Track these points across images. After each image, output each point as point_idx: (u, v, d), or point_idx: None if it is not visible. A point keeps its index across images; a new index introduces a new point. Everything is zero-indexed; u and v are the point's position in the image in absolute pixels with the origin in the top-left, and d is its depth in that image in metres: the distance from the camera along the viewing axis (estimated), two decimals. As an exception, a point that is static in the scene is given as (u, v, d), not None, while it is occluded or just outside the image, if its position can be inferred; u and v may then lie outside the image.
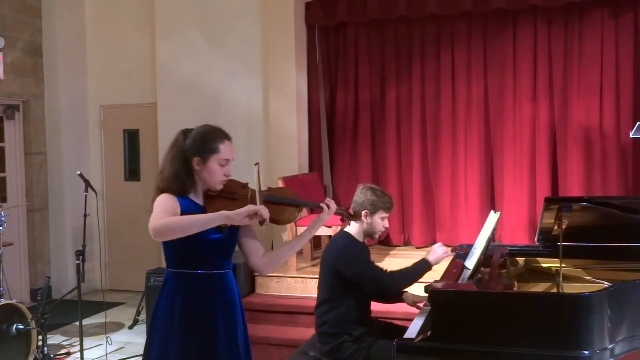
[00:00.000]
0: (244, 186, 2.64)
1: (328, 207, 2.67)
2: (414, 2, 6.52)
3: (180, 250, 2.51)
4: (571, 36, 6.30)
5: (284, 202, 2.63)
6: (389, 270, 3.75)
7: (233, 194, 2.59)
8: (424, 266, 3.55)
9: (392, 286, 3.56)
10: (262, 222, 2.48)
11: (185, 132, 2.59)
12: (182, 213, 2.46)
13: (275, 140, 6.76)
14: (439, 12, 6.51)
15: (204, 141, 2.53)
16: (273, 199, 2.61)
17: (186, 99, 7.05)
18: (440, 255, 3.55)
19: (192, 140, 2.54)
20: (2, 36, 6.67)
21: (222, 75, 6.96)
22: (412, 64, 6.81)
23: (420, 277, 3.57)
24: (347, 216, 2.93)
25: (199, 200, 2.58)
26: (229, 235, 2.58)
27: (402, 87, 6.87)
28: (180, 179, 2.51)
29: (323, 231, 5.74)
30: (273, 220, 2.59)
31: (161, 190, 2.52)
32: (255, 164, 2.67)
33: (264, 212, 2.43)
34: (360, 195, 3.60)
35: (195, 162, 2.52)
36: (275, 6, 6.75)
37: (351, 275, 3.49)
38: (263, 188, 2.62)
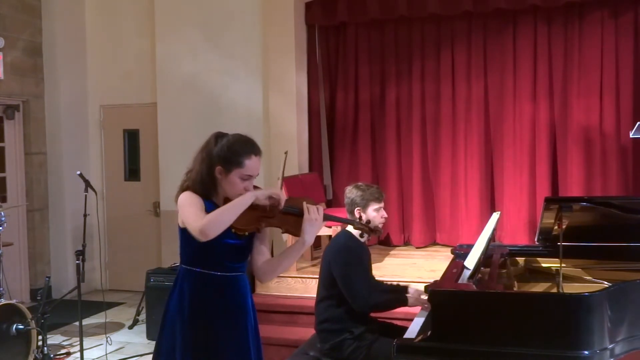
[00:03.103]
0: None
1: (312, 213, 2.53)
2: (414, 2, 6.52)
3: (197, 249, 2.50)
4: (571, 36, 6.30)
5: (300, 214, 2.54)
6: (377, 281, 3.78)
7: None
8: (401, 303, 3.62)
9: (361, 309, 3.54)
10: (271, 209, 2.48)
11: (217, 136, 2.57)
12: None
13: (275, 140, 6.76)
14: (439, 12, 6.51)
15: (230, 152, 2.50)
16: (292, 211, 2.55)
17: (186, 99, 7.05)
18: (421, 303, 3.57)
19: (220, 148, 2.52)
20: (2, 36, 6.67)
21: (222, 75, 6.96)
22: (412, 64, 6.81)
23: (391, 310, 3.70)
24: (368, 231, 2.86)
25: (220, 204, 2.55)
26: (247, 240, 2.57)
27: (402, 87, 6.87)
28: (205, 183, 2.51)
29: (323, 231, 5.74)
30: (289, 232, 2.57)
31: (186, 188, 2.52)
32: (285, 152, 2.66)
33: (282, 195, 2.47)
34: (348, 194, 3.64)
35: (217, 171, 2.51)
36: (275, 6, 6.74)
37: (336, 276, 3.52)
38: (285, 174, 2.61)
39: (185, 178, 2.57)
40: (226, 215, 2.37)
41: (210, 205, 2.51)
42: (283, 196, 2.48)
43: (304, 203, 2.54)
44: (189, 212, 2.42)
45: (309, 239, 2.52)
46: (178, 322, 2.54)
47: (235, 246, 2.52)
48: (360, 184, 3.71)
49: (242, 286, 2.61)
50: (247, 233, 2.52)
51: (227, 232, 2.44)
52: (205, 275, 2.53)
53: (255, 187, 2.58)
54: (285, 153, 2.71)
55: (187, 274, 2.56)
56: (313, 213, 2.51)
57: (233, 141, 2.53)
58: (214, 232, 2.35)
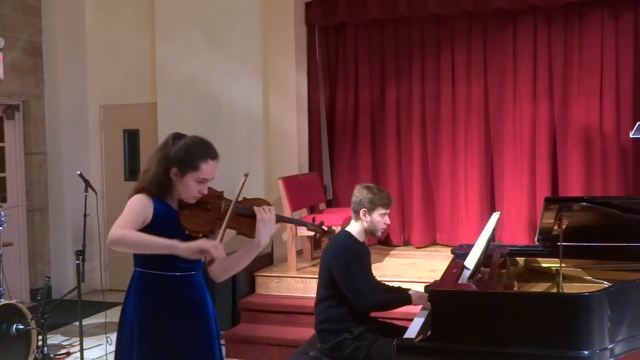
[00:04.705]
0: (219, 196, 2.59)
1: (263, 213, 2.50)
2: (414, 2, 6.52)
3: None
4: (571, 36, 6.30)
5: (253, 215, 2.52)
6: (378, 281, 3.78)
7: (207, 203, 2.53)
8: (405, 301, 3.59)
9: (365, 308, 3.54)
10: (210, 262, 2.41)
11: (175, 137, 2.54)
12: (155, 216, 2.45)
13: (275, 140, 6.76)
14: (439, 12, 6.51)
15: (186, 155, 2.47)
16: (245, 212, 2.53)
17: (186, 99, 7.05)
18: (424, 301, 3.56)
19: (177, 149, 2.49)
20: (2, 36, 6.67)
21: (222, 75, 6.96)
22: (412, 64, 6.81)
23: (395, 309, 3.67)
24: (322, 233, 2.80)
25: (174, 205, 2.54)
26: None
27: (402, 87, 6.87)
28: (161, 184, 2.48)
29: (323, 231, 5.74)
30: (243, 233, 2.53)
31: (140, 190, 2.49)
32: (245, 175, 2.54)
33: (215, 252, 2.36)
34: (358, 194, 3.62)
35: (172, 172, 2.48)
36: (275, 6, 6.75)
37: (337, 277, 3.51)
38: (240, 199, 2.54)
39: (142, 178, 2.53)
40: (140, 245, 2.35)
41: (164, 206, 2.49)
42: (218, 250, 2.37)
43: (255, 205, 2.53)
44: (124, 215, 2.40)
45: (264, 240, 2.51)
46: (136, 324, 2.50)
47: None
48: (372, 185, 3.67)
49: (198, 284, 2.58)
50: (201, 235, 2.50)
51: (181, 234, 2.44)
52: (160, 277, 2.50)
53: (210, 189, 2.56)
54: (246, 175, 2.60)
55: (142, 277, 2.54)
56: (266, 213, 2.50)
57: (190, 144, 2.51)
58: (120, 249, 2.34)
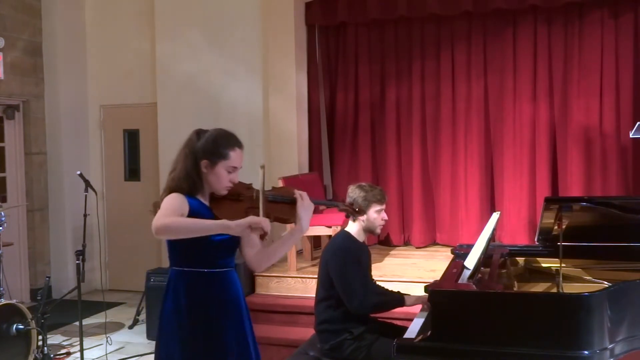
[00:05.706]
0: (249, 187, 2.64)
1: (302, 198, 2.57)
2: (414, 2, 6.52)
3: (184, 249, 2.52)
4: (571, 36, 6.30)
5: (289, 201, 2.59)
6: (375, 284, 3.77)
7: (238, 195, 2.58)
8: (398, 303, 3.62)
9: (358, 310, 3.52)
10: (262, 236, 2.46)
11: (198, 133, 2.60)
12: (191, 212, 2.47)
13: (275, 140, 6.76)
14: (439, 12, 6.51)
15: (215, 145, 2.55)
16: (277, 199, 2.59)
17: (186, 99, 7.05)
18: (421, 301, 3.57)
19: (204, 142, 2.56)
20: (2, 36, 6.67)
21: (222, 75, 6.96)
22: (412, 64, 6.81)
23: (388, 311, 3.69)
24: (352, 212, 2.93)
25: (206, 201, 2.59)
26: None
27: (402, 87, 6.87)
28: (191, 179, 2.53)
29: (323, 231, 5.74)
30: (279, 219, 2.58)
31: (171, 190, 2.53)
32: (261, 167, 2.59)
33: (266, 224, 2.39)
34: (351, 194, 3.63)
35: (203, 165, 2.54)
36: (275, 6, 6.75)
37: (333, 277, 3.51)
38: (267, 188, 2.59)
39: (170, 178, 2.58)
40: (193, 229, 2.37)
41: (196, 202, 2.52)
42: (266, 223, 2.40)
43: (295, 190, 2.60)
44: (164, 209, 2.43)
45: (306, 225, 2.57)
46: (177, 325, 2.54)
47: (223, 241, 2.54)
48: (363, 184, 3.68)
49: (234, 281, 2.64)
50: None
51: None
52: (197, 274, 2.54)
53: (239, 182, 2.61)
54: (262, 167, 2.65)
55: (179, 275, 2.57)
56: (306, 199, 2.57)
57: (216, 135, 2.58)
58: (168, 236, 2.38)
